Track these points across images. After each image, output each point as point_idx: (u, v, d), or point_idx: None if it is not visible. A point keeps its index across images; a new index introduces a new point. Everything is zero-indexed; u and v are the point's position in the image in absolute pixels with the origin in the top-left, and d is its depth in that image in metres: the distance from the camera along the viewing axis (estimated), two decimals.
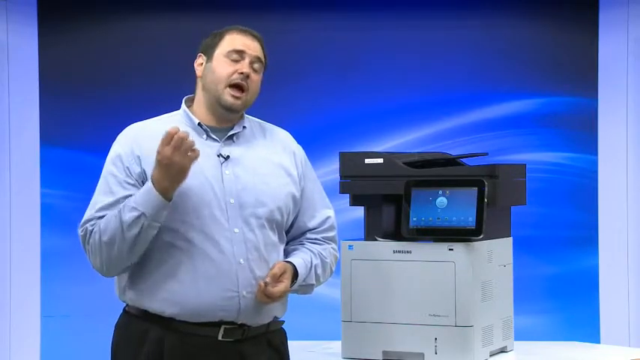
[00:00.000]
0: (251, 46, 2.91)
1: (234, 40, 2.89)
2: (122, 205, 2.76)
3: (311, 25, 5.65)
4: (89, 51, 5.63)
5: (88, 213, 2.83)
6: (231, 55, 2.88)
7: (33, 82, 5.58)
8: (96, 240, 2.78)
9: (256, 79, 2.91)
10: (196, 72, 2.93)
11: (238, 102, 2.86)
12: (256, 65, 2.91)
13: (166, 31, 5.52)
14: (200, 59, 2.93)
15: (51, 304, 5.55)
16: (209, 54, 2.91)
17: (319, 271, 2.96)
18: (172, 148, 2.67)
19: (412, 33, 5.63)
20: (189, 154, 2.69)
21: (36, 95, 5.58)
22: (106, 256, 2.78)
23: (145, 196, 2.72)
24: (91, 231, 2.79)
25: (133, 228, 2.73)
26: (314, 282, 2.95)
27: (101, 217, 2.79)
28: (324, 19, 5.65)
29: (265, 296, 2.81)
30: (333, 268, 3.04)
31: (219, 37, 2.91)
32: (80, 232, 2.82)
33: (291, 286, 2.88)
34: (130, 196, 2.79)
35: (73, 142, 5.60)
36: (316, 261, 2.95)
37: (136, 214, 2.72)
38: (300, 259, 2.91)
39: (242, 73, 2.86)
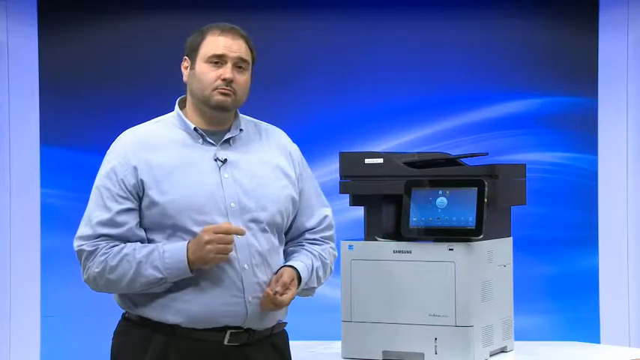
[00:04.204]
0: (232, 47, 2.82)
1: (214, 44, 2.81)
2: (144, 255, 2.73)
3: (311, 25, 5.65)
4: (89, 51, 5.63)
5: (84, 229, 2.79)
6: (212, 60, 2.81)
7: (33, 82, 5.57)
8: (98, 271, 2.76)
9: (242, 79, 2.83)
10: (183, 76, 2.89)
11: (228, 99, 2.81)
12: (241, 65, 2.83)
13: (166, 31, 5.51)
14: (185, 63, 2.87)
15: (51, 304, 5.55)
16: (192, 58, 2.84)
17: (320, 273, 2.95)
18: (212, 235, 2.68)
19: (412, 33, 5.63)
20: (219, 254, 2.69)
21: (36, 95, 5.58)
22: (106, 285, 2.79)
23: (175, 263, 2.72)
24: (91, 252, 2.76)
25: (149, 284, 2.74)
26: (316, 285, 2.94)
27: (100, 237, 2.76)
28: (324, 19, 5.65)
29: (271, 304, 2.79)
30: (332, 268, 3.02)
31: (200, 38, 2.84)
32: (75, 246, 2.79)
33: None
34: (125, 210, 2.76)
35: (73, 142, 5.60)
36: (317, 263, 2.94)
37: (158, 276, 2.73)
38: (302, 262, 2.89)
39: (225, 79, 2.79)
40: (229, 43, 2.82)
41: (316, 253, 2.95)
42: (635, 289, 5.58)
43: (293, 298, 2.84)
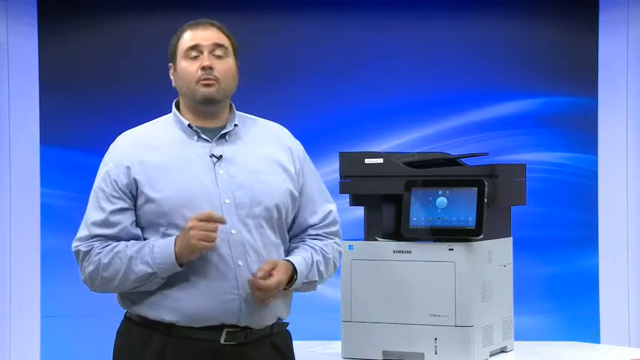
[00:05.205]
0: (205, 36, 2.85)
1: (187, 38, 2.86)
2: (135, 250, 2.75)
3: (311, 25, 5.65)
4: (89, 51, 5.63)
5: (81, 230, 2.84)
6: (189, 55, 2.84)
7: (33, 82, 5.57)
8: (93, 269, 2.79)
9: (224, 65, 2.85)
10: (172, 83, 2.91)
11: (213, 89, 2.82)
12: (218, 52, 2.85)
13: (166, 31, 5.48)
14: (171, 69, 2.91)
15: (51, 304, 5.55)
16: (174, 61, 2.89)
17: (322, 267, 2.92)
18: (195, 222, 2.69)
19: (412, 33, 5.63)
20: (203, 240, 2.70)
21: (36, 95, 5.58)
22: (102, 284, 2.82)
23: (164, 257, 2.73)
24: (86, 252, 2.80)
25: (141, 280, 2.76)
26: (317, 279, 2.91)
27: (94, 238, 2.80)
28: (324, 19, 5.65)
29: (258, 291, 2.77)
30: (337, 263, 3.00)
31: (176, 40, 2.89)
32: (72, 247, 2.83)
33: (290, 285, 2.86)
34: (119, 210, 2.79)
35: (73, 142, 5.60)
36: (318, 257, 2.91)
37: (148, 270, 2.74)
38: (300, 256, 2.88)
39: (204, 68, 2.82)
40: (201, 34, 2.86)
41: (317, 248, 2.93)
42: (635, 289, 5.58)
43: (280, 285, 2.80)
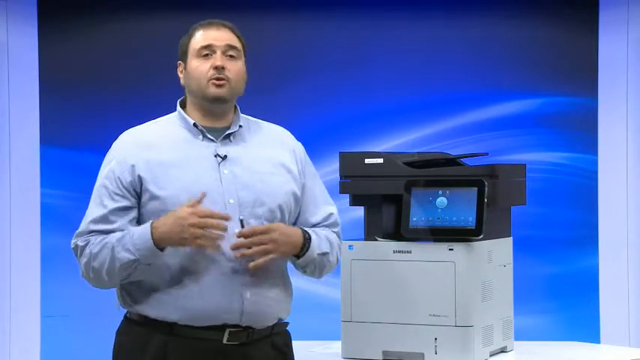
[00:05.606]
0: (218, 37, 2.87)
1: (200, 38, 2.87)
2: (117, 239, 2.75)
3: (311, 25, 5.65)
4: (89, 51, 5.63)
5: (82, 225, 2.84)
6: (201, 53, 2.85)
7: (33, 82, 5.58)
8: (86, 261, 2.79)
9: (235, 67, 2.87)
10: (180, 81, 2.92)
11: (224, 89, 2.84)
12: (231, 53, 2.87)
13: (166, 31, 5.50)
14: (180, 67, 2.92)
15: (51, 304, 5.55)
16: (184, 59, 2.90)
17: (329, 248, 2.91)
18: (194, 217, 2.68)
19: (412, 33, 5.63)
20: (199, 239, 2.69)
21: (36, 95, 5.58)
22: (95, 277, 2.81)
23: (143, 242, 2.73)
24: (83, 247, 2.80)
25: (126, 269, 2.76)
26: (328, 250, 2.89)
27: (91, 233, 2.80)
28: (324, 19, 5.65)
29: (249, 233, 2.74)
30: (339, 256, 2.98)
31: (187, 39, 2.90)
32: (71, 243, 2.84)
33: (305, 251, 2.84)
34: (121, 208, 2.79)
35: (73, 142, 5.60)
36: (324, 237, 2.91)
37: (131, 257, 2.74)
38: (309, 229, 2.88)
39: (216, 67, 2.83)
40: (214, 34, 2.87)
41: (322, 233, 2.92)
42: (635, 289, 5.58)
43: (271, 231, 2.76)
